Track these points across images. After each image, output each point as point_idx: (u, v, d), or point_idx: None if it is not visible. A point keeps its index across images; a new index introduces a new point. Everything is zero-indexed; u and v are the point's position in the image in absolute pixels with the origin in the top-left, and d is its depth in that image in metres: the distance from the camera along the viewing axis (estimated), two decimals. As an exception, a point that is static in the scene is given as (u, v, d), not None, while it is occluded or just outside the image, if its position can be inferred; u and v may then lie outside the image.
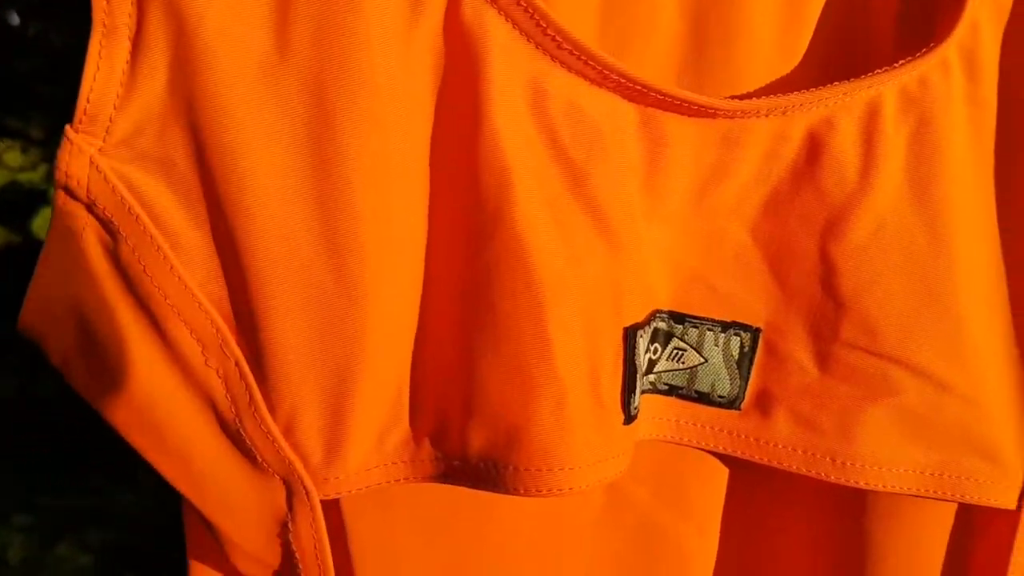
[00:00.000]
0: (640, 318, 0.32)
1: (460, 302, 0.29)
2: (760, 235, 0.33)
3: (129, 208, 0.27)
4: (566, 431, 0.29)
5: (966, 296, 0.33)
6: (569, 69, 0.29)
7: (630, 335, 0.31)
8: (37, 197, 0.84)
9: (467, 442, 0.30)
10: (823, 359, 0.33)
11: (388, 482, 0.31)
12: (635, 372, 0.31)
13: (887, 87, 0.31)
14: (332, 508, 0.31)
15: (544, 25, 0.28)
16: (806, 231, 0.32)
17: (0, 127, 0.86)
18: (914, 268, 0.32)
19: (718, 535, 0.38)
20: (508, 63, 0.28)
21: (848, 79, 0.31)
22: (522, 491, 0.29)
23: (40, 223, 0.82)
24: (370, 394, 0.29)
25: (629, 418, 0.31)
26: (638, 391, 0.32)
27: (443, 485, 0.31)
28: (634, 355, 0.31)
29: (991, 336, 0.33)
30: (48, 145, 0.85)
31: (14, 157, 0.84)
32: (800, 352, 0.34)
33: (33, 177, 0.84)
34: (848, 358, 0.33)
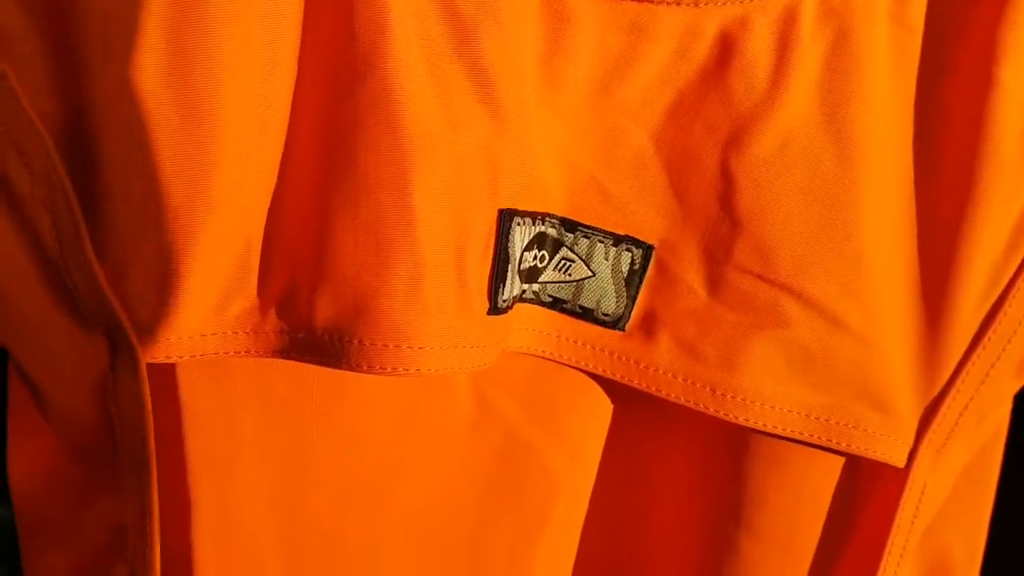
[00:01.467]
0: (520, 205, 0.29)
1: (322, 153, 0.27)
2: (662, 141, 0.31)
3: None
4: (420, 307, 0.27)
5: (870, 229, 0.31)
6: None
7: (505, 218, 0.29)
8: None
9: (314, 311, 0.27)
10: (713, 283, 0.31)
11: (227, 353, 0.28)
12: (508, 261, 0.29)
13: None
14: (165, 376, 0.29)
15: None
16: (709, 141, 0.30)
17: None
18: (817, 192, 0.30)
19: (593, 464, 0.36)
20: None
21: None
22: (366, 367, 0.27)
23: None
24: (213, 248, 0.27)
25: (496, 309, 0.29)
26: (509, 282, 0.30)
27: (289, 365, 0.29)
28: (508, 242, 0.29)
29: (893, 275, 0.31)
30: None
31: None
32: (691, 274, 0.32)
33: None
34: (739, 283, 0.31)
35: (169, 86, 0.25)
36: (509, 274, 0.30)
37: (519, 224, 0.29)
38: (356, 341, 0.27)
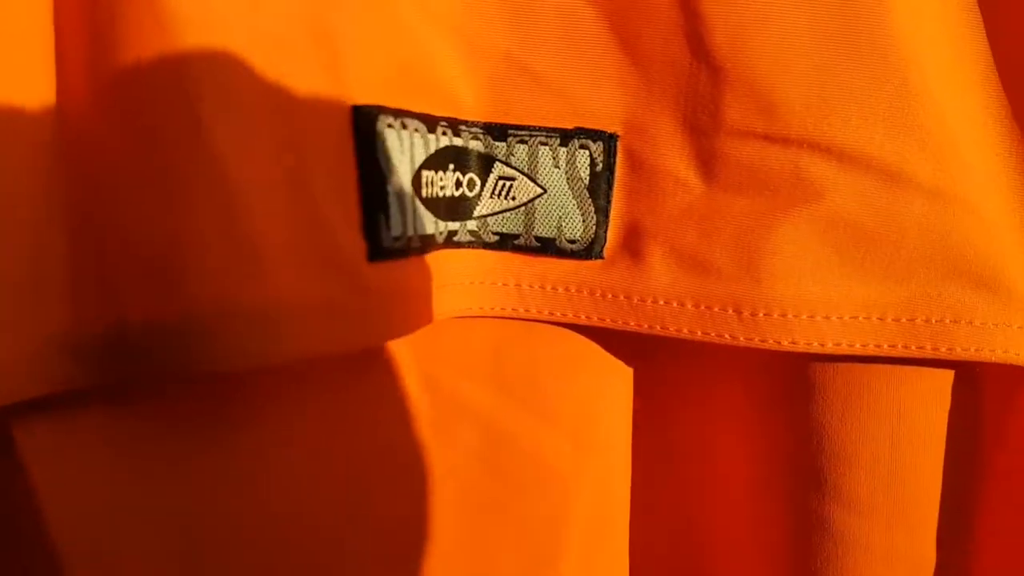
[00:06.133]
0: (390, 102, 0.21)
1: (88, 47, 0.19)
2: None
3: None
4: (247, 258, 0.19)
5: (912, 31, 0.21)
6: None
7: (361, 119, 0.20)
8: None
9: (116, 298, 0.19)
10: (707, 163, 0.23)
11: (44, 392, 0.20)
12: (382, 178, 0.21)
13: None
14: None
15: None
16: None
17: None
18: None
19: (615, 447, 0.27)
20: None
21: None
22: (179, 367, 0.18)
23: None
24: None
25: (380, 250, 0.21)
26: (398, 208, 0.21)
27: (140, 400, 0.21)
28: (376, 152, 0.21)
29: (964, 93, 0.22)
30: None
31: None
32: (674, 158, 0.23)
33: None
34: (740, 154, 0.22)
35: None
36: (391, 196, 0.21)
37: (390, 127, 0.21)
38: (164, 328, 0.19)
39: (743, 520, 0.27)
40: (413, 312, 0.22)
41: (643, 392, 0.27)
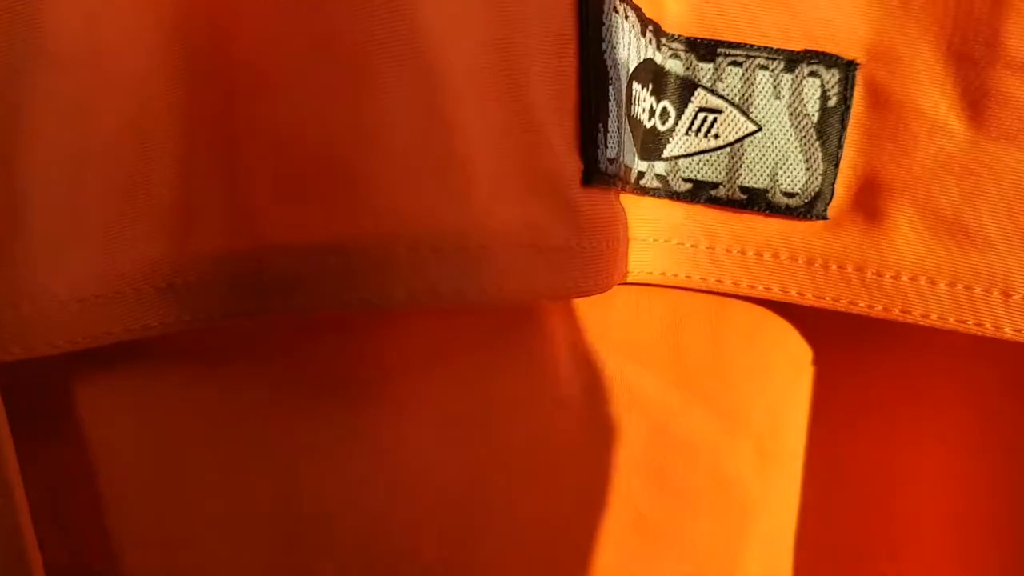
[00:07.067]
0: None
1: None
2: None
3: None
4: (454, 169, 0.14)
5: None
6: None
7: (590, 9, 0.15)
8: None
9: (252, 220, 0.14)
10: (976, 103, 0.18)
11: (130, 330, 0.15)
12: (606, 79, 0.16)
13: None
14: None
15: None
16: None
17: None
18: None
19: (791, 455, 0.22)
20: None
21: None
22: (343, 300, 0.14)
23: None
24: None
25: (597, 173, 0.16)
26: (616, 126, 0.16)
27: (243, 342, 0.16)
28: (602, 42, 0.15)
29: None
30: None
31: None
32: (933, 95, 0.18)
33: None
34: (1022, 93, 0.17)
35: None
36: (612, 104, 0.16)
37: (616, 11, 0.16)
38: (336, 259, 0.14)
39: (942, 563, 0.22)
40: (618, 260, 0.17)
41: (826, 391, 0.22)
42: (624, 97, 0.16)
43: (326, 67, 0.14)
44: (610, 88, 0.16)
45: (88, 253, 0.15)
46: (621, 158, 0.17)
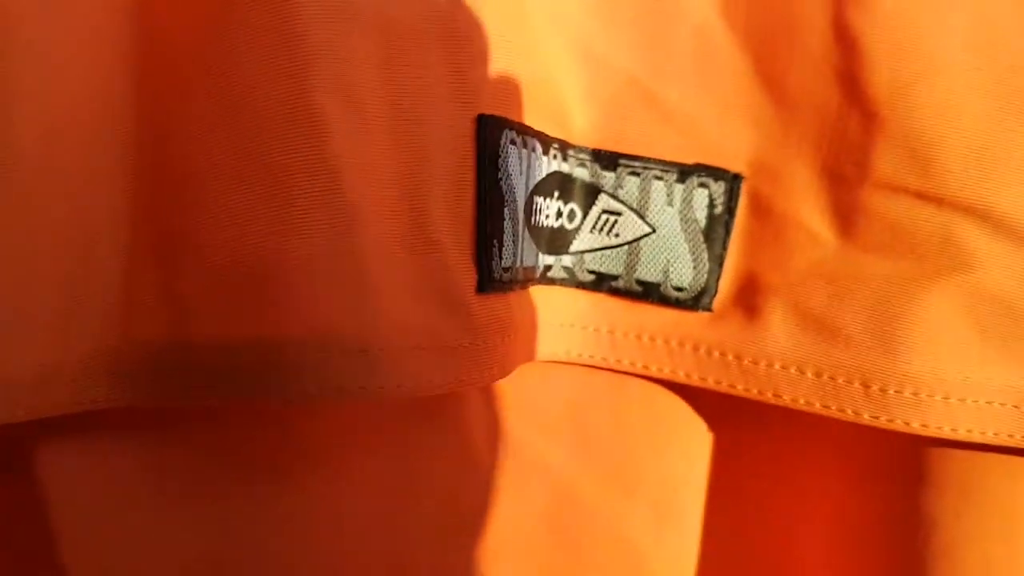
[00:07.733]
0: (512, 114, 0.18)
1: (171, 67, 0.16)
2: (735, 6, 0.20)
3: None
4: (357, 280, 0.16)
5: None
6: None
7: (487, 128, 0.18)
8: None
9: (185, 312, 0.16)
10: (846, 217, 0.20)
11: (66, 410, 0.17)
12: (501, 199, 0.18)
13: None
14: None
15: None
16: None
17: None
18: (993, 40, 0.19)
19: (692, 525, 0.24)
20: None
21: None
22: (260, 392, 0.16)
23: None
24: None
25: (491, 281, 0.18)
26: (511, 236, 0.19)
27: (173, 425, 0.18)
28: (498, 169, 0.18)
29: None
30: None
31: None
32: (808, 207, 0.21)
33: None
34: (887, 210, 0.20)
35: None
36: (507, 222, 0.18)
37: (513, 144, 0.18)
38: (253, 356, 0.16)
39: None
40: (513, 352, 0.19)
41: (720, 459, 0.24)
42: (522, 213, 0.19)
43: (249, 180, 0.16)
44: (505, 209, 0.18)
45: (38, 338, 0.16)
46: (519, 264, 0.19)
